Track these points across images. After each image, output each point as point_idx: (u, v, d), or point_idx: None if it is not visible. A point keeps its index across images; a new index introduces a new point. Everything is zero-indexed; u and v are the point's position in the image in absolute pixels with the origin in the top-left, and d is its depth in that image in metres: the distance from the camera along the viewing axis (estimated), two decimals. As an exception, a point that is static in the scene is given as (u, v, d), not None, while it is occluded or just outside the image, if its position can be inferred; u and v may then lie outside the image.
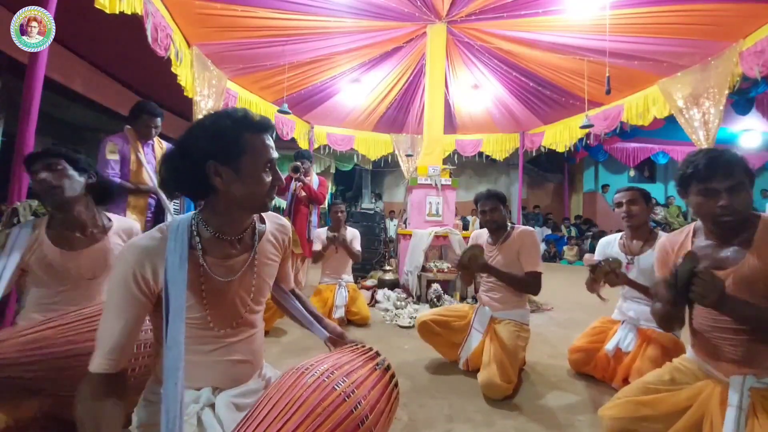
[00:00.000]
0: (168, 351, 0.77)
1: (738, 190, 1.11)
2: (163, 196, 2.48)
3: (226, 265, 0.91)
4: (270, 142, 0.89)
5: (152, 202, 2.57)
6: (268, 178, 0.87)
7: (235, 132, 0.83)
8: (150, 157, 2.54)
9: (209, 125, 0.84)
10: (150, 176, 2.46)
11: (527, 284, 2.03)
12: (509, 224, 2.17)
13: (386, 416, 0.91)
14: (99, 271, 1.44)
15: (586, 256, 4.60)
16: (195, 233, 0.88)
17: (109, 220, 1.52)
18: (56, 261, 1.36)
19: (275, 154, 0.90)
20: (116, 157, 2.32)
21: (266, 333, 2.67)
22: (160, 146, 2.66)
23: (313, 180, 3.79)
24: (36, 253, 1.35)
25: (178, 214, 2.57)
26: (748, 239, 1.14)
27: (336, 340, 1.14)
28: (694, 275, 1.07)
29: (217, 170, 0.83)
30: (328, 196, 10.97)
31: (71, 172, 1.39)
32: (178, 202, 2.65)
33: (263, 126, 0.87)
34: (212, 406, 0.86)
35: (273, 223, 1.05)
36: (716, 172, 1.12)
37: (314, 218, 3.90)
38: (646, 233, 1.98)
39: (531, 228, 2.22)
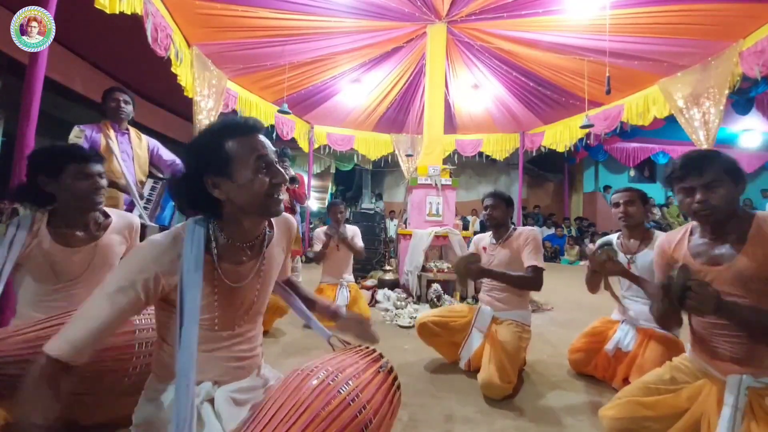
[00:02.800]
0: (181, 353, 0.77)
1: (714, 187, 1.14)
2: (135, 194, 2.38)
3: (237, 271, 0.92)
4: (258, 141, 0.87)
5: (127, 198, 2.44)
6: (266, 178, 0.86)
7: (216, 142, 0.84)
8: (125, 146, 2.45)
9: (194, 143, 0.88)
10: (121, 166, 2.36)
11: (528, 280, 2.00)
12: (511, 225, 2.19)
13: (389, 419, 0.91)
14: (97, 268, 1.43)
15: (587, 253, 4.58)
16: (212, 238, 0.89)
17: (107, 216, 1.51)
18: (55, 258, 1.36)
19: (269, 153, 0.87)
20: (80, 142, 2.28)
21: (266, 333, 2.68)
22: (138, 137, 2.56)
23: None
24: (34, 248, 1.34)
25: (147, 211, 2.47)
26: (742, 237, 1.15)
27: (341, 339, 1.15)
28: (688, 288, 1.08)
29: (215, 182, 0.85)
30: (327, 197, 11.00)
31: None
32: (152, 199, 2.53)
33: (245, 129, 0.86)
34: (211, 400, 0.87)
35: (279, 225, 1.05)
36: (690, 171, 1.18)
37: (297, 217, 3.90)
38: (642, 232, 2.01)
39: (534, 227, 2.24)
